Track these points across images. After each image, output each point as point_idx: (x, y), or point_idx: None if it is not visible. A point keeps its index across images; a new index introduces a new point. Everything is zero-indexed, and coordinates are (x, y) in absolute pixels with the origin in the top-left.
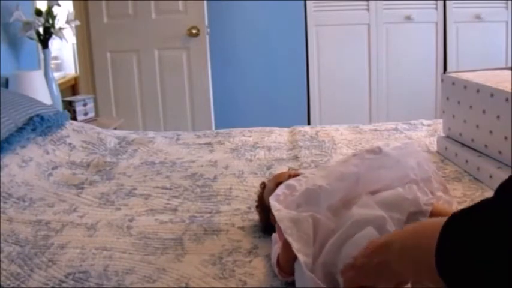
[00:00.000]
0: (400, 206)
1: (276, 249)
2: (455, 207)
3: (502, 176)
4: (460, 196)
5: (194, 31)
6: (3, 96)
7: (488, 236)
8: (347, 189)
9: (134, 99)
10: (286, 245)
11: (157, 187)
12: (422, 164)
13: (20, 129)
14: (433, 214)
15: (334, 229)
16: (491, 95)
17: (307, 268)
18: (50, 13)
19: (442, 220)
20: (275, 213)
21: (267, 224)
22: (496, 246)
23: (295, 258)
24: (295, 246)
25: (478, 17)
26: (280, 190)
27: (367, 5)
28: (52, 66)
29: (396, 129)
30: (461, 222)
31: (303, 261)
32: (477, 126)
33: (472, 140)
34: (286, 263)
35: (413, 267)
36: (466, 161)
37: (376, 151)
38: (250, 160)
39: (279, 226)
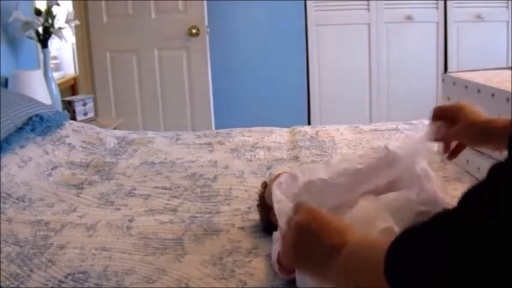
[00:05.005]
0: (404, 209)
1: (277, 247)
2: None
3: None
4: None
5: (194, 31)
6: (2, 96)
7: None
8: (349, 185)
9: (134, 99)
10: None
11: (157, 187)
12: (425, 164)
13: (19, 129)
14: None
15: None
16: (492, 95)
17: None
18: (49, 13)
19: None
20: (276, 205)
21: (267, 224)
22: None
23: None
24: None
25: (478, 17)
26: (283, 178)
27: (368, 5)
28: (51, 66)
29: (397, 129)
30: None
31: None
32: None
33: None
34: None
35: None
36: (467, 161)
37: (381, 150)
38: (250, 160)
39: None
